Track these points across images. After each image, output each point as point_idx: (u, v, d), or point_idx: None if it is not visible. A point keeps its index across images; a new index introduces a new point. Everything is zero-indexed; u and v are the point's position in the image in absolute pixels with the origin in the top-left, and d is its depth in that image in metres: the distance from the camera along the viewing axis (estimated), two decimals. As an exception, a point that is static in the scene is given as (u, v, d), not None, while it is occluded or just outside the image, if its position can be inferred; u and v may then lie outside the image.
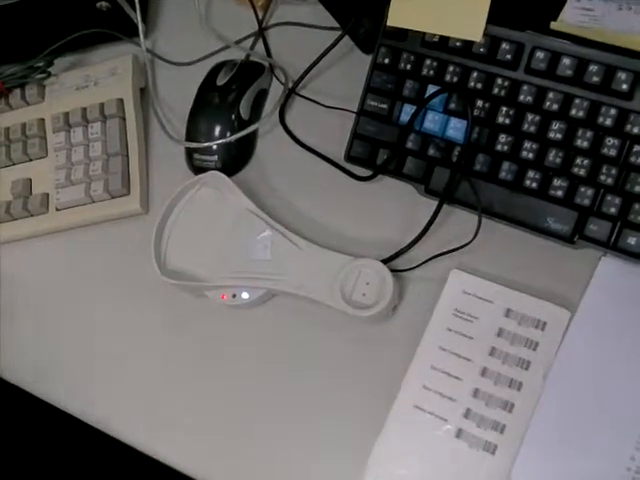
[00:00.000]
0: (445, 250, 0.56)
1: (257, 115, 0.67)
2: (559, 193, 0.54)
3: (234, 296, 0.59)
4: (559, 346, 0.52)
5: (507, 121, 0.56)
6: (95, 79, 0.72)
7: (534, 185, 0.55)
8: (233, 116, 0.65)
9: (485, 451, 0.51)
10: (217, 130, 0.65)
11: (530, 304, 0.54)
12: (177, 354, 0.61)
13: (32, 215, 0.69)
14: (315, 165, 0.63)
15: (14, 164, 0.72)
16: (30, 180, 0.70)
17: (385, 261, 0.56)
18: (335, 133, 0.64)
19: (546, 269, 0.55)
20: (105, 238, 0.68)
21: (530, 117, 0.55)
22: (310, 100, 0.66)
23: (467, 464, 0.51)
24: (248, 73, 0.67)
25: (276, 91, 0.68)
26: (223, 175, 0.62)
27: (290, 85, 0.67)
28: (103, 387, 0.62)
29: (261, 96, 0.68)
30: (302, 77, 0.66)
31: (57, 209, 0.68)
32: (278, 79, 0.68)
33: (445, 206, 0.57)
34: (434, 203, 0.57)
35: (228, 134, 0.65)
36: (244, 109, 0.66)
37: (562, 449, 0.50)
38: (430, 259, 0.56)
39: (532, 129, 0.55)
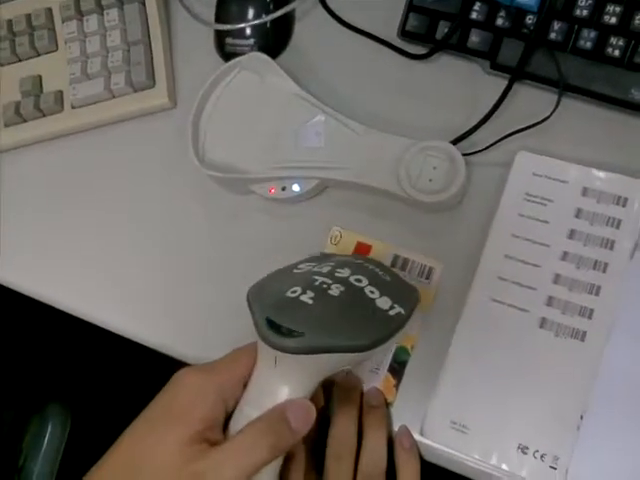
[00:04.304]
0: (519, 128, 0.51)
1: (294, -7, 0.61)
2: (645, 61, 0.50)
3: (283, 189, 0.54)
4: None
5: (587, -19, 0.50)
6: (107, -41, 0.64)
7: (616, 53, 0.50)
8: (268, -6, 0.59)
9: (574, 338, 0.48)
10: (251, 10, 0.59)
11: (609, 180, 0.50)
12: (220, 253, 0.56)
13: (45, 115, 0.63)
14: (362, 45, 0.58)
15: (20, 60, 0.65)
16: (40, 77, 0.64)
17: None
18: (382, 9, 0.58)
19: (627, 146, 0.51)
20: (130, 137, 0.61)
21: (614, -25, 0.50)
22: (354, -27, 0.59)
23: (555, 354, 0.47)
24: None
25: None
26: (266, 56, 0.56)
27: (329, -42, 0.60)
28: (131, 292, 0.57)
29: (297, -29, 0.61)
30: (343, -52, 0.60)
31: (73, 107, 0.62)
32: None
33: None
34: (499, 81, 0.53)
35: (263, 15, 0.58)
36: (280, -15, 0.59)
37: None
38: (502, 139, 0.51)
39: (616, -11, 0.50)
